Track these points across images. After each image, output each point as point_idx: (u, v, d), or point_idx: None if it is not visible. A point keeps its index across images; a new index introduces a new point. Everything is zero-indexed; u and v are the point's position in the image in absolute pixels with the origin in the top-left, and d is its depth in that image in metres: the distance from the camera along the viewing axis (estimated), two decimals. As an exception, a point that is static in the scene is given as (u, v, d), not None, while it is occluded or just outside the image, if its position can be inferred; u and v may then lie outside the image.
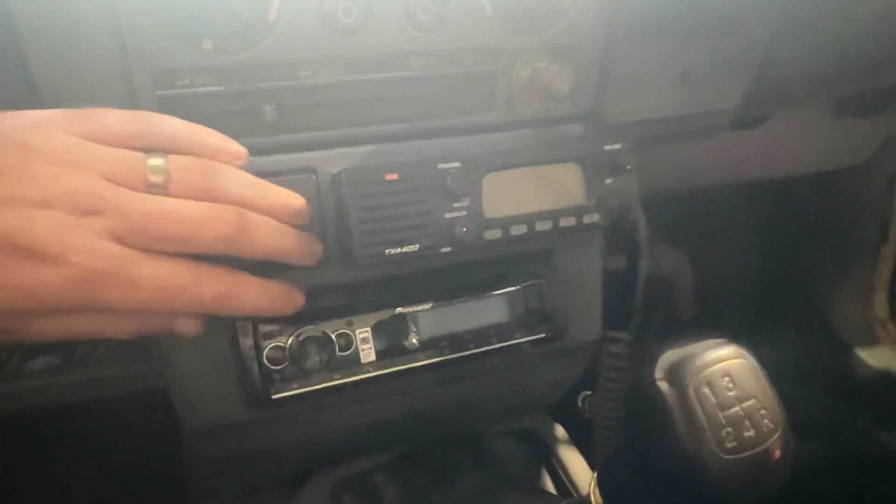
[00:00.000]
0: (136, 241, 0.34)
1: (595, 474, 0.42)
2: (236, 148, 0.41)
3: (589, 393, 0.75)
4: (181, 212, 0.35)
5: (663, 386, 0.31)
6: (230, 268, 0.39)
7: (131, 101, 0.43)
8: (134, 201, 0.34)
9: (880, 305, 1.14)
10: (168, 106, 0.44)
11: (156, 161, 0.36)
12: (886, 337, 1.13)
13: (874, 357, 1.08)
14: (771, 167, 0.87)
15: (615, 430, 0.49)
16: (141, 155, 0.36)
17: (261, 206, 0.40)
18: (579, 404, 0.74)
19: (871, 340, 1.11)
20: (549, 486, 0.65)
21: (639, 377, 0.33)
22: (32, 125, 0.34)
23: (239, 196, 0.38)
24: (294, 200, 0.42)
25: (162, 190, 0.35)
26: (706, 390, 0.30)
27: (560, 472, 0.65)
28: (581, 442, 0.71)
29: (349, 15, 0.43)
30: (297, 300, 0.45)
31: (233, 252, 0.38)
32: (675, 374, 0.31)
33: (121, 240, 0.33)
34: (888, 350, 1.10)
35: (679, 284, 1.04)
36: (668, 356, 0.32)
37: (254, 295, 0.40)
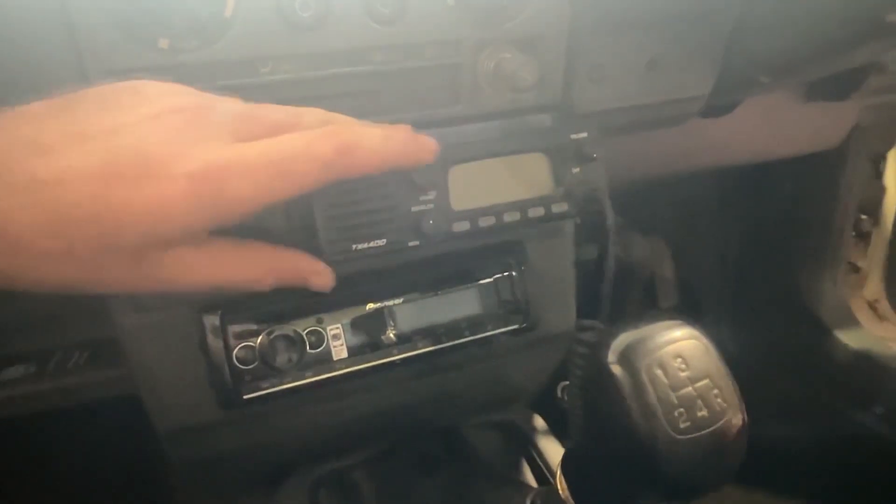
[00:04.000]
0: (247, 134, 0.33)
1: (560, 461, 0.42)
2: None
3: (567, 383, 0.75)
4: (280, 107, 0.36)
5: (616, 369, 0.31)
6: (345, 121, 0.39)
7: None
8: (237, 104, 0.35)
9: (873, 286, 1.16)
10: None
11: None
12: (874, 317, 1.15)
13: (852, 338, 1.10)
14: (742, 153, 0.88)
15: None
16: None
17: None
18: (558, 394, 0.75)
19: (849, 323, 1.12)
20: (529, 477, 0.65)
21: (595, 362, 0.33)
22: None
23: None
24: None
25: None
26: (658, 371, 0.30)
27: (539, 462, 0.65)
28: (561, 432, 0.71)
29: (307, 9, 0.43)
30: (430, 145, 0.41)
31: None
32: (628, 357, 0.31)
33: (233, 134, 0.33)
34: (866, 332, 1.11)
35: (654, 272, 1.05)
36: (622, 339, 0.32)
37: (378, 141, 0.37)
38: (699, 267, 1.26)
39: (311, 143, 0.34)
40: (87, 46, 0.41)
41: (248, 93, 0.45)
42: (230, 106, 0.35)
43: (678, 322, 0.33)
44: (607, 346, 0.32)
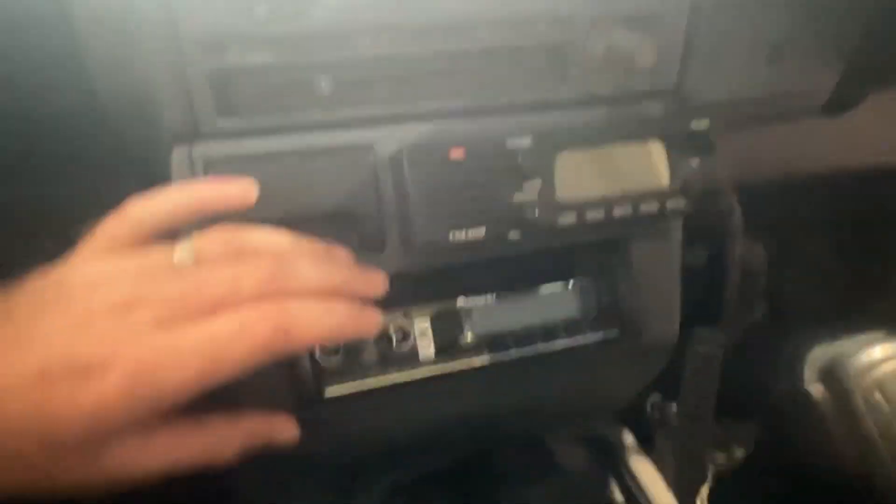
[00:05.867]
0: (182, 316, 0.33)
1: (706, 486, 0.37)
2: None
3: (658, 397, 0.70)
4: (216, 272, 0.34)
5: (817, 390, 0.26)
6: (281, 297, 0.35)
7: (181, 72, 0.40)
8: (168, 284, 0.34)
9: None
10: (218, 77, 0.41)
11: (183, 245, 0.36)
12: None
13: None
14: (858, 157, 0.80)
15: (702, 441, 0.44)
16: (168, 245, 0.36)
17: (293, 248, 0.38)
18: (648, 410, 0.69)
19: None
20: (618, 497, 0.60)
21: (772, 377, 0.28)
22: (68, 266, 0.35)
23: (266, 245, 0.38)
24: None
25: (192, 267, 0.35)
26: (878, 396, 0.25)
27: (629, 481, 0.60)
28: (647, 447, 0.66)
29: None
30: (374, 317, 0.38)
31: (280, 290, 0.35)
32: (834, 376, 0.26)
33: (164, 324, 0.32)
34: None
35: (759, 279, 0.97)
36: (819, 353, 0.27)
37: (317, 316, 0.35)
38: (790, 278, 1.18)
39: (244, 326, 0.33)
40: (180, 14, 0.38)
41: (344, 67, 0.43)
42: (161, 289, 0.33)
43: (881, 334, 0.27)
44: (801, 361, 0.27)
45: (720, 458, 0.38)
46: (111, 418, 0.31)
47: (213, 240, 0.37)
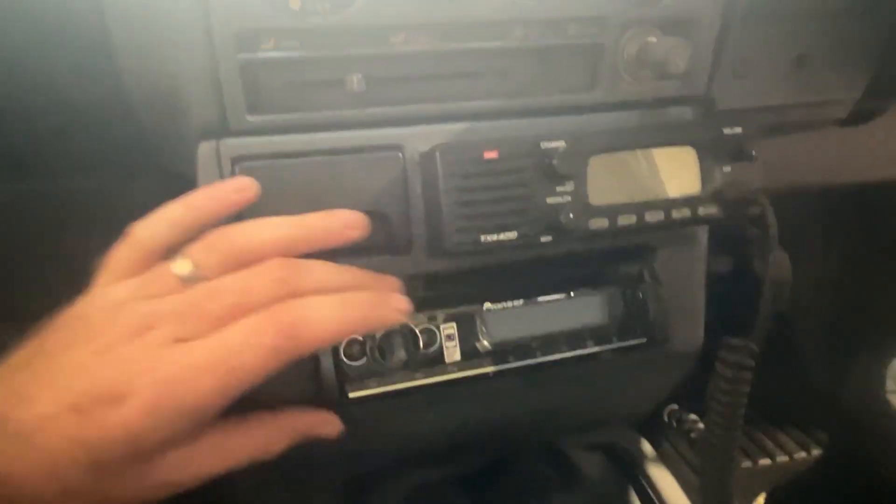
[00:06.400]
0: (193, 332, 0.33)
1: (763, 495, 0.36)
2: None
3: (675, 407, 0.69)
4: (223, 282, 0.35)
5: None
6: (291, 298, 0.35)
7: (211, 65, 0.39)
8: (177, 301, 0.34)
9: None
10: (249, 71, 0.40)
11: (180, 259, 0.36)
12: None
13: None
14: (878, 169, 0.80)
15: (730, 451, 0.44)
16: (165, 262, 0.36)
17: (303, 235, 0.37)
18: (665, 419, 0.69)
19: None
20: (636, 505, 0.59)
21: (848, 386, 0.28)
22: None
23: (273, 240, 0.37)
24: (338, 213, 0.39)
25: (197, 280, 0.35)
26: None
27: (648, 490, 0.59)
28: (664, 458, 0.65)
29: None
30: (401, 304, 0.37)
31: (292, 291, 0.35)
32: None
33: (178, 341, 0.33)
34: None
35: (785, 288, 0.96)
36: None
37: (332, 310, 0.34)
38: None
39: (251, 332, 0.33)
40: (213, 5, 0.38)
41: (376, 64, 0.43)
42: (170, 307, 0.34)
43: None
44: (880, 370, 0.27)
45: (783, 464, 0.37)
46: (142, 439, 0.32)
47: (209, 248, 0.36)
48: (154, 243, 0.37)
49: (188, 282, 0.35)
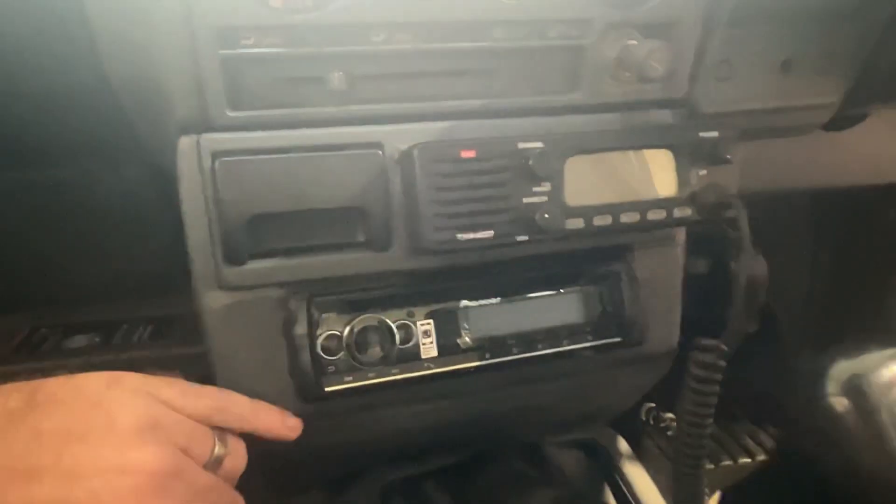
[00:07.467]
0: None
1: (718, 494, 0.37)
2: (292, 422, 0.44)
3: (653, 405, 0.70)
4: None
5: (840, 404, 0.26)
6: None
7: (193, 60, 0.39)
8: (203, 475, 0.37)
9: None
10: (231, 67, 0.40)
11: (220, 448, 0.39)
12: None
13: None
14: (860, 173, 0.80)
15: (700, 449, 0.44)
16: (211, 434, 0.39)
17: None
18: (643, 417, 0.69)
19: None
20: (612, 502, 0.60)
21: (789, 388, 0.28)
22: (114, 382, 0.36)
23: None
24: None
25: (218, 464, 0.39)
26: None
27: (623, 487, 0.59)
28: (641, 455, 0.66)
29: None
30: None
31: None
32: (858, 391, 0.26)
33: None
34: None
35: (761, 290, 0.96)
36: (843, 368, 0.27)
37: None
38: (780, 293, 1.18)
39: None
40: (196, 1, 0.38)
41: (357, 62, 0.43)
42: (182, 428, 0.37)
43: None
44: (822, 374, 0.27)
45: (732, 464, 0.38)
46: None
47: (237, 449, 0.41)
48: (198, 406, 0.39)
49: (216, 455, 0.39)
